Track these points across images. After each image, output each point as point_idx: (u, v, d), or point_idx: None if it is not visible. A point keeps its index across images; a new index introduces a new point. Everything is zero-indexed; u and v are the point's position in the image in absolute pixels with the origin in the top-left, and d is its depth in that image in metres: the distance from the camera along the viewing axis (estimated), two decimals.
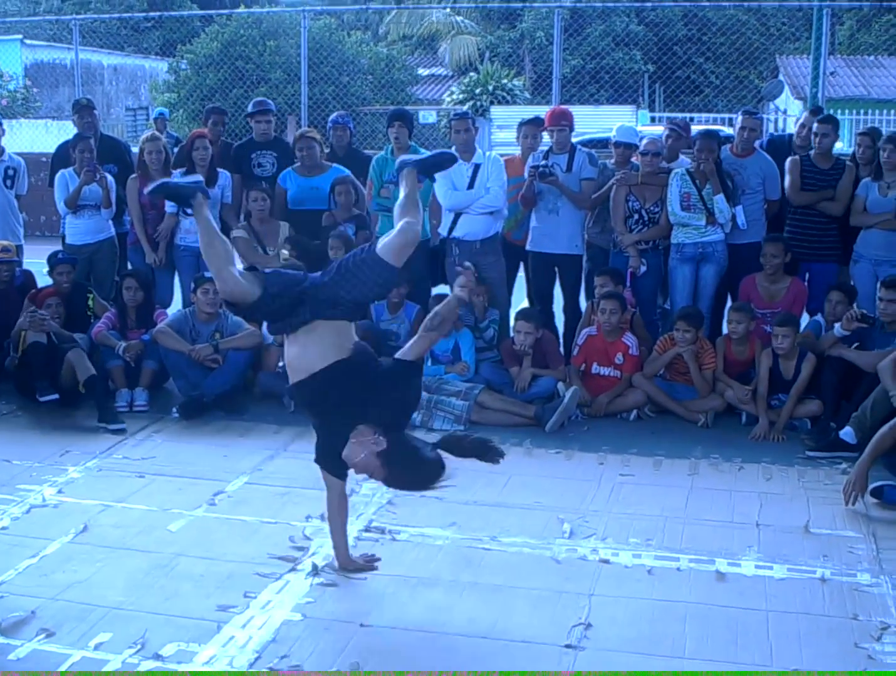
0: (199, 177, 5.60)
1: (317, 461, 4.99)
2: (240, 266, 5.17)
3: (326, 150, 9.11)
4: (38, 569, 5.10)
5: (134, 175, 8.95)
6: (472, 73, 28.49)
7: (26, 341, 7.79)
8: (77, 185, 8.85)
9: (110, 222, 9.17)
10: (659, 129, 9.31)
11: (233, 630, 4.49)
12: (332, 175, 8.79)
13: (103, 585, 4.93)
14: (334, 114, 9.49)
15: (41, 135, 22.35)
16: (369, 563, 5.10)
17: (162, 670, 4.18)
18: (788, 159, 8.21)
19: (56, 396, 7.64)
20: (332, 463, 4.89)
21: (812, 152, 8.22)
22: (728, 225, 8.03)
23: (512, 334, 7.95)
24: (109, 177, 9.00)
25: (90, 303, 8.44)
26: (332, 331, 4.76)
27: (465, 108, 25.64)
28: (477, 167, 8.19)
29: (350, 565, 5.06)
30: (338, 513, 5.04)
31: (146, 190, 5.66)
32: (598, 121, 20.54)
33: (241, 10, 25.08)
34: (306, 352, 4.76)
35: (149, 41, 35.16)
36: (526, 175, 8.31)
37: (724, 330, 8.02)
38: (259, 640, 4.41)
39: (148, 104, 32.53)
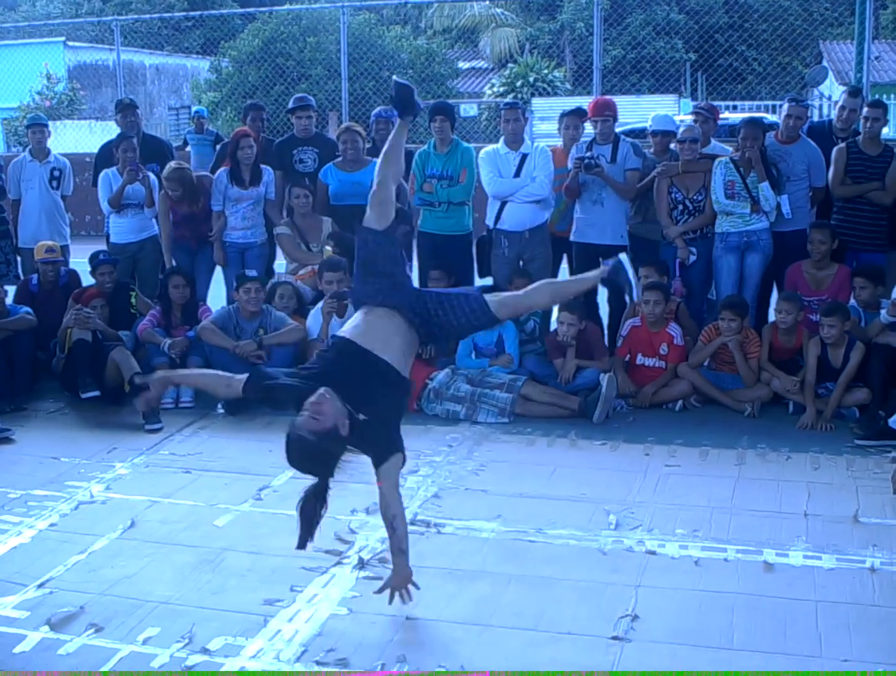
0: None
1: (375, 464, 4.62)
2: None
3: (368, 145, 9.10)
4: (87, 565, 5.15)
5: (163, 191, 8.93)
6: (512, 65, 28.41)
7: (71, 339, 7.86)
8: (120, 185, 8.91)
9: (153, 221, 9.23)
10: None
11: (279, 623, 4.51)
12: (373, 169, 8.78)
13: (151, 580, 4.97)
14: (378, 109, 9.47)
15: (85, 136, 22.57)
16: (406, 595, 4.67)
17: (204, 670, 4.20)
18: (835, 148, 8.12)
19: (98, 393, 7.70)
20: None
21: (860, 138, 8.12)
22: (773, 213, 7.96)
23: (555, 326, 7.92)
24: (152, 176, 9.06)
25: (133, 300, 8.50)
26: (402, 333, 4.64)
27: (505, 100, 25.64)
28: (524, 157, 8.19)
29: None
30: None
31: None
32: (639, 110, 20.44)
33: (282, 7, 25.10)
34: (372, 332, 4.58)
35: (190, 40, 35.35)
36: (569, 166, 8.28)
37: (771, 318, 7.95)
38: (305, 634, 4.42)
39: (190, 103, 32.68)
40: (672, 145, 8.28)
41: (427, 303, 4.68)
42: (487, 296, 4.72)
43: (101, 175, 9.22)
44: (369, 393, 4.43)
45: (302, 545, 4.36)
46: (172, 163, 8.90)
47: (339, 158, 8.92)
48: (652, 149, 8.43)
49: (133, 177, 8.86)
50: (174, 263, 8.91)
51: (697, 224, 8.12)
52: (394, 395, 4.58)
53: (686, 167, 8.06)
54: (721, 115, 10.97)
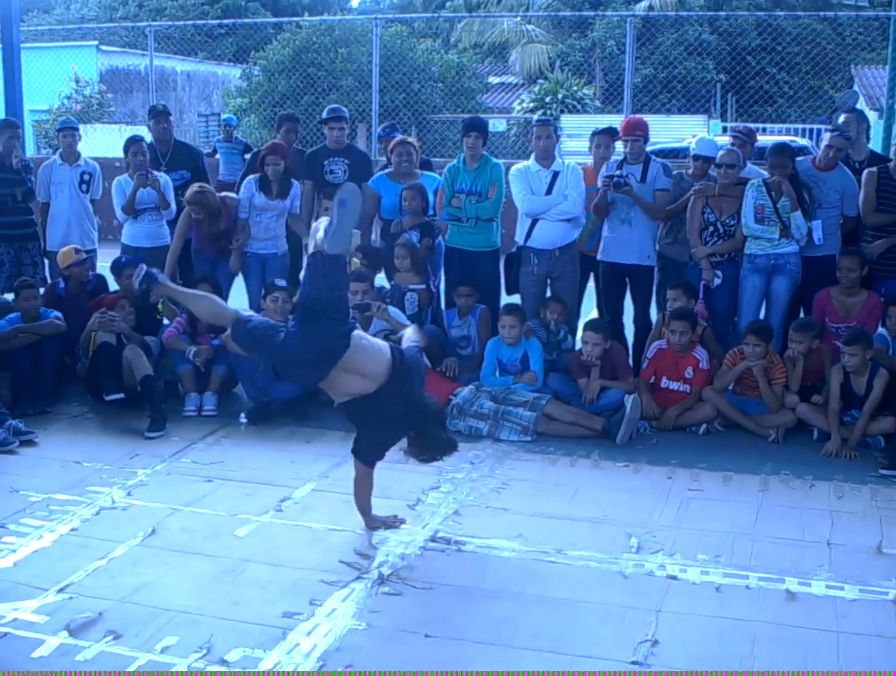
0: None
1: (353, 452, 5.56)
2: None
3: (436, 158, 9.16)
4: (107, 571, 5.16)
5: (187, 210, 8.92)
6: (542, 82, 28.42)
7: (96, 342, 7.88)
8: (131, 190, 8.95)
9: (167, 229, 9.25)
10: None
11: (298, 636, 4.50)
12: (426, 181, 8.83)
13: (170, 589, 4.97)
14: (383, 124, 9.57)
15: (115, 140, 22.64)
16: (393, 521, 5.69)
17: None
18: (865, 172, 8.08)
19: (122, 395, 7.72)
20: (369, 457, 5.53)
21: (891, 164, 8.08)
22: (803, 240, 7.92)
23: (580, 345, 7.91)
24: (163, 178, 9.07)
25: (159, 306, 8.52)
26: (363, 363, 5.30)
27: (534, 116, 25.64)
28: (556, 174, 8.18)
29: (374, 523, 5.65)
30: (364, 487, 5.61)
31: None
32: (669, 130, 20.44)
33: (315, 17, 25.19)
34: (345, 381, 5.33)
35: (222, 47, 35.52)
36: (599, 184, 8.28)
37: None
38: (324, 648, 4.41)
39: (220, 110, 32.82)
40: (711, 169, 8.24)
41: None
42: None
43: (115, 182, 9.25)
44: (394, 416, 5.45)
45: None
46: (195, 186, 8.85)
47: (391, 169, 8.97)
48: (690, 171, 8.39)
49: (142, 182, 8.89)
50: (178, 272, 8.91)
51: (726, 248, 8.08)
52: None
53: (722, 190, 8.03)
54: None
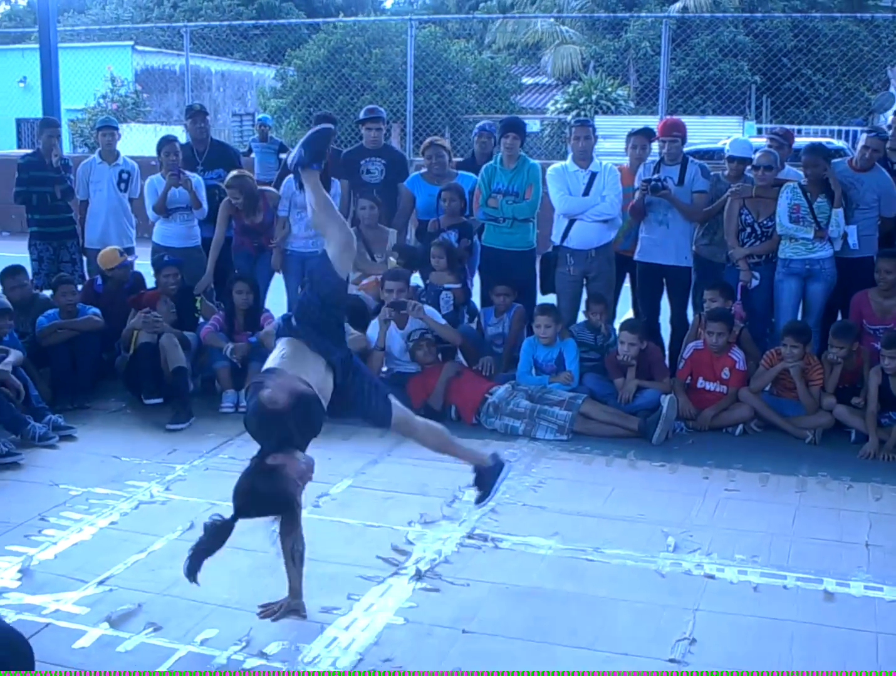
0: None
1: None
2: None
3: (466, 157, 9.21)
4: (146, 564, 5.22)
5: (227, 199, 9.01)
6: (576, 83, 28.39)
7: (137, 341, 7.94)
8: (163, 189, 9.01)
9: (198, 229, 9.32)
10: (765, 141, 9.18)
11: (336, 631, 4.53)
12: (461, 181, 8.86)
13: (209, 582, 4.95)
14: (482, 122, 9.64)
15: (150, 140, 22.79)
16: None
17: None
18: None
19: (160, 400, 7.80)
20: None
21: None
22: (839, 241, 7.88)
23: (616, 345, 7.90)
24: (195, 178, 9.12)
25: (198, 304, 8.58)
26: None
27: (568, 117, 25.60)
28: (593, 175, 8.19)
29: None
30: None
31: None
32: (703, 132, 20.35)
33: (349, 18, 25.28)
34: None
35: (257, 48, 35.68)
36: (636, 185, 8.28)
37: None
38: (362, 642, 4.44)
39: (254, 110, 32.98)
40: (747, 170, 8.22)
41: (353, 375, 4.81)
42: (395, 409, 4.88)
43: (147, 181, 9.32)
44: None
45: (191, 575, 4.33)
46: (234, 172, 8.98)
47: (425, 171, 9.01)
48: (726, 173, 8.37)
49: (174, 181, 8.94)
50: (237, 270, 8.98)
51: (763, 249, 8.06)
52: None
53: (760, 192, 8.01)
54: None
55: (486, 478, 5.16)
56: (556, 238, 8.37)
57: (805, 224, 7.88)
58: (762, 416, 7.54)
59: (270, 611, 4.71)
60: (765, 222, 8.02)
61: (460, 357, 8.32)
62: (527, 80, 32.74)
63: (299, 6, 39.66)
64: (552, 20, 32.19)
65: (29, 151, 11.39)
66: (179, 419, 7.58)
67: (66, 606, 4.74)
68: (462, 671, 4.19)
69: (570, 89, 27.87)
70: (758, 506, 6.11)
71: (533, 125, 24.53)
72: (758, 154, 8.17)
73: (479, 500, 5.23)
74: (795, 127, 22.69)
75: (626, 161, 8.91)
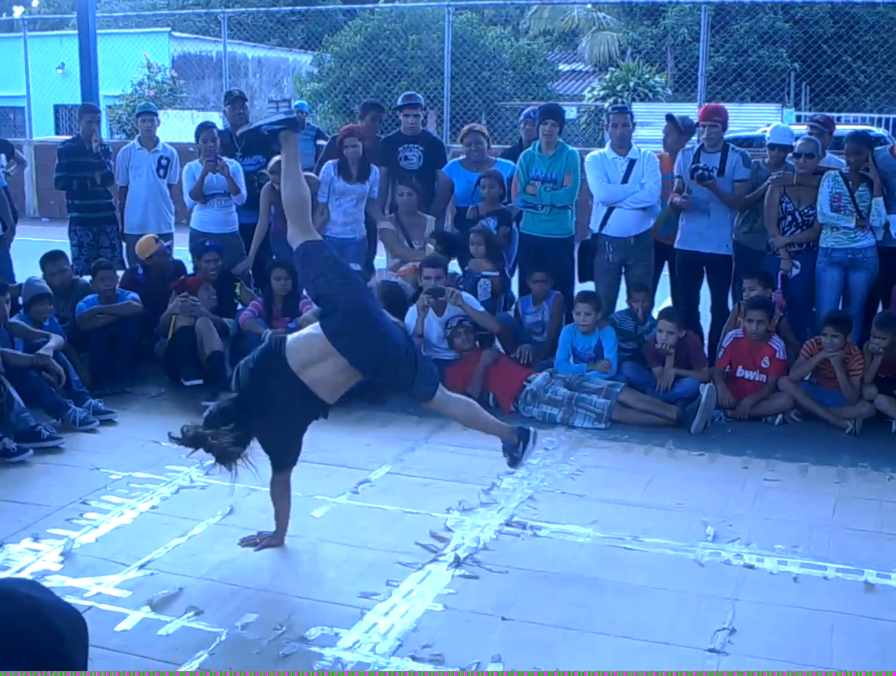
0: (289, 115, 5.40)
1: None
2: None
3: (513, 144, 9.23)
4: (187, 549, 5.24)
5: (268, 183, 9.01)
6: (613, 69, 28.26)
7: (176, 326, 7.99)
8: (200, 175, 9.04)
9: (235, 216, 9.34)
10: (804, 129, 9.11)
11: (375, 616, 4.54)
12: (499, 167, 8.86)
13: (249, 567, 5.04)
14: (527, 109, 9.64)
15: (187, 126, 22.88)
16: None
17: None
18: None
19: (200, 381, 7.84)
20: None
21: None
22: (880, 231, 7.82)
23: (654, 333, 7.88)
24: (233, 164, 9.14)
25: (237, 291, 8.61)
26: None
27: (605, 104, 25.49)
28: (632, 162, 8.16)
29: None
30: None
31: (238, 132, 5.53)
32: (742, 119, 20.20)
33: (386, 4, 25.29)
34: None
35: (293, 34, 35.71)
36: (675, 172, 8.25)
37: None
38: (401, 628, 4.44)
39: (290, 96, 33.02)
40: (788, 157, 8.17)
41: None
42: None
43: (185, 168, 9.38)
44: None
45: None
46: (277, 157, 8.99)
47: (463, 157, 9.01)
48: (767, 160, 8.31)
49: (211, 167, 8.97)
50: (274, 257, 9.02)
51: (804, 237, 8.01)
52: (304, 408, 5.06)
53: (801, 180, 7.95)
54: None
55: (515, 450, 5.34)
56: (594, 226, 8.34)
57: (846, 213, 7.82)
58: (802, 406, 7.50)
59: (252, 542, 5.15)
60: (805, 210, 7.96)
61: (498, 344, 8.31)
62: (563, 67, 32.60)
63: None
64: (589, 6, 32.02)
65: (68, 137, 11.46)
66: (191, 375, 7.62)
67: (108, 589, 4.78)
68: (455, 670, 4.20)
69: (607, 76, 27.74)
70: (797, 496, 6.08)
71: (570, 112, 24.45)
72: (799, 142, 8.11)
73: (511, 466, 5.47)
74: (835, 114, 22.48)
75: (661, 148, 8.90)
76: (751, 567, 5.11)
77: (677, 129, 8.80)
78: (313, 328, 5.01)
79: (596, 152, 8.49)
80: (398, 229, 8.76)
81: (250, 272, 9.21)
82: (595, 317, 7.78)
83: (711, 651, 4.28)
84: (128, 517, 5.64)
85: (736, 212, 8.30)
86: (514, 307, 8.56)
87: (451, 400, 5.26)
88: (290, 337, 5.10)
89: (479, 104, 24.36)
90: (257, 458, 5.07)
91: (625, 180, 8.15)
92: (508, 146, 10.37)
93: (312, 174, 9.23)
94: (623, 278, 8.41)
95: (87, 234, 9.71)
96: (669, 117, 8.99)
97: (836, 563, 5.14)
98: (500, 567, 5.03)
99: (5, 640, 1.47)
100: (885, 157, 8.01)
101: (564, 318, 8.29)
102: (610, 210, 8.18)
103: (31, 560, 5.07)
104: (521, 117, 9.68)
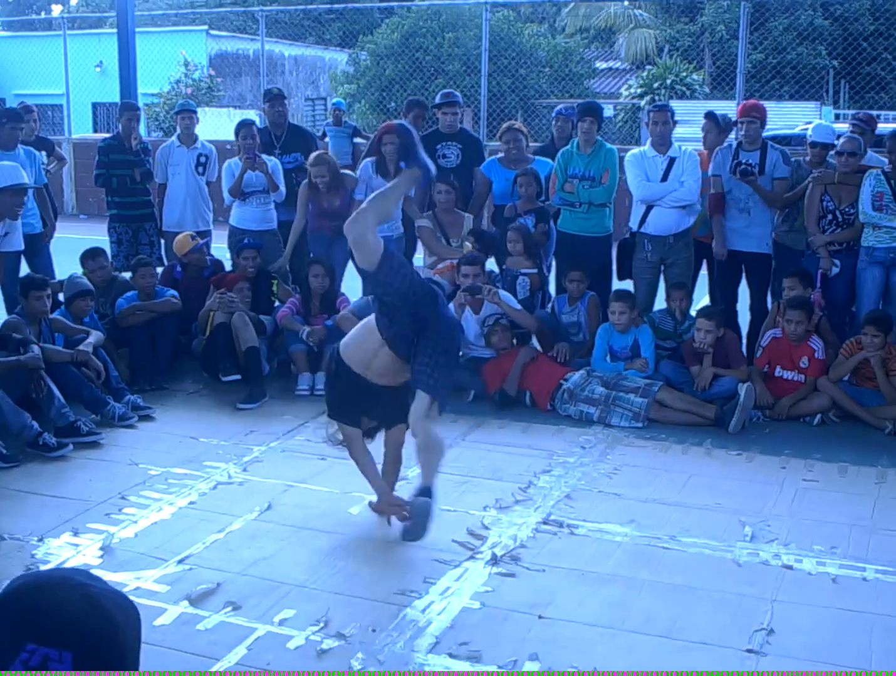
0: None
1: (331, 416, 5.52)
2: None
3: (546, 142, 9.24)
4: (225, 544, 5.27)
5: (306, 181, 9.01)
6: (650, 67, 28.16)
7: (214, 322, 8.03)
8: (239, 172, 9.06)
9: (274, 213, 9.36)
10: (844, 127, 9.04)
11: (412, 613, 4.55)
12: (538, 165, 8.85)
13: (287, 563, 5.06)
14: (560, 106, 9.63)
15: (224, 124, 23.00)
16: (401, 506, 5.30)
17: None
18: None
19: (238, 377, 7.88)
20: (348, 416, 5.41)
21: None
22: None
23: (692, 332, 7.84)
24: (272, 161, 9.16)
25: (274, 288, 8.65)
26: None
27: (642, 102, 25.39)
28: (672, 160, 8.12)
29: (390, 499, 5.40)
30: (365, 455, 5.50)
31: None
32: (780, 117, 20.08)
33: (422, 1, 25.31)
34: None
35: (330, 32, 35.81)
36: (710, 171, 8.21)
37: None
38: (438, 626, 4.45)
39: (326, 94, 33.14)
40: (829, 155, 8.11)
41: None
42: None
43: (225, 164, 9.38)
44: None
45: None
46: (318, 151, 9.05)
47: (501, 155, 9.01)
48: (807, 158, 8.26)
49: (250, 165, 8.98)
50: (311, 254, 9.04)
51: (845, 236, 7.94)
52: None
53: (842, 178, 7.89)
54: None
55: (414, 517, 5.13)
56: (633, 224, 8.31)
57: (889, 212, 7.74)
58: (841, 406, 7.44)
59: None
60: (846, 209, 7.90)
61: (535, 342, 8.30)
62: (600, 65, 32.53)
63: None
64: (626, 3, 31.96)
65: (107, 135, 11.53)
66: (252, 398, 7.67)
67: (147, 584, 4.81)
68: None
69: (644, 74, 27.67)
70: (836, 497, 6.04)
71: (606, 110, 24.39)
72: (841, 140, 8.04)
73: (405, 534, 5.13)
74: (874, 112, 22.29)
75: (700, 146, 8.85)
76: (789, 567, 5.08)
77: (717, 127, 8.75)
78: (361, 325, 5.30)
79: (636, 150, 8.46)
80: (436, 227, 8.76)
81: (287, 269, 9.23)
82: (630, 315, 7.74)
83: (749, 651, 4.26)
84: (166, 512, 5.68)
85: (776, 211, 8.24)
86: (550, 306, 8.53)
87: (431, 431, 5.17)
88: (341, 342, 5.43)
89: (516, 102, 24.37)
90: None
91: (664, 178, 8.11)
92: (536, 144, 10.35)
93: (350, 172, 9.26)
94: (663, 277, 8.37)
95: (127, 231, 9.76)
96: (709, 115, 8.94)
97: (876, 564, 5.10)
98: (538, 565, 5.03)
99: (62, 626, 1.49)
100: None
101: (601, 317, 8.26)
102: (649, 208, 8.14)
103: (71, 554, 5.12)
104: (553, 114, 9.67)
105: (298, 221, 9.03)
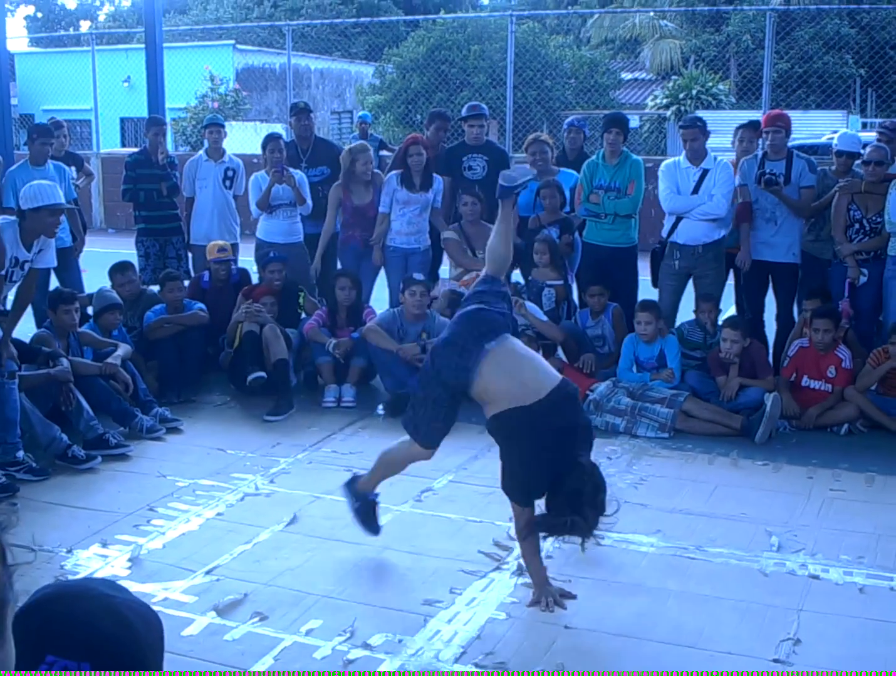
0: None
1: (503, 489, 4.94)
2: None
3: (557, 152, 9.24)
4: (252, 555, 5.30)
5: (338, 182, 9.08)
6: (675, 77, 28.11)
7: (242, 332, 8.07)
8: (267, 186, 9.11)
9: (300, 226, 9.41)
10: (871, 136, 8.99)
11: (439, 624, 4.57)
12: (563, 177, 8.86)
13: (314, 573, 5.08)
14: (571, 117, 9.63)
15: (251, 137, 23.10)
16: (564, 596, 4.83)
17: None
18: None
19: (263, 374, 7.88)
20: (514, 495, 4.86)
21: None
22: None
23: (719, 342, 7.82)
24: (298, 175, 9.20)
25: (301, 300, 8.69)
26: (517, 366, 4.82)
27: (668, 112, 25.35)
28: (705, 172, 8.10)
29: (545, 586, 4.82)
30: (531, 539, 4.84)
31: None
32: (806, 126, 20.02)
33: (448, 15, 25.39)
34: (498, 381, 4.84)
35: (356, 46, 35.95)
36: (737, 181, 8.19)
37: None
38: (464, 636, 4.46)
39: (353, 107, 33.24)
40: (856, 165, 8.08)
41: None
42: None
43: (252, 178, 9.42)
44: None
45: None
46: (359, 142, 9.16)
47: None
48: (833, 168, 8.24)
49: (278, 178, 9.01)
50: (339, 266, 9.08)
51: (872, 245, 7.91)
52: None
53: (869, 187, 7.86)
54: None
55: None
56: (665, 231, 8.31)
57: None
58: (868, 416, 7.41)
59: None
60: (874, 218, 7.87)
61: (561, 353, 8.30)
62: (625, 76, 32.47)
63: (398, 4, 39.89)
64: (651, 14, 31.90)
65: (135, 150, 11.61)
66: (279, 410, 7.71)
67: (175, 594, 4.84)
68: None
69: (670, 84, 27.60)
70: (863, 507, 6.01)
71: (632, 121, 24.36)
72: (868, 148, 8.01)
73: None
74: None
75: (727, 155, 8.82)
76: (816, 577, 5.07)
77: (755, 134, 8.69)
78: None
79: (670, 160, 8.46)
80: (462, 239, 8.78)
81: (314, 281, 9.27)
82: (656, 325, 7.74)
83: (776, 661, 4.25)
84: (194, 523, 5.71)
85: (803, 221, 8.22)
86: (573, 319, 8.52)
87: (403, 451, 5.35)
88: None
89: (541, 113, 24.38)
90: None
91: (695, 190, 8.09)
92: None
93: (378, 171, 9.30)
94: (693, 287, 8.35)
95: (154, 245, 9.82)
96: (748, 125, 8.85)
97: None
98: (564, 575, 5.03)
99: (84, 637, 1.51)
100: None
101: (627, 328, 8.25)
102: (679, 218, 8.14)
103: (100, 565, 5.16)
104: (564, 126, 9.67)
105: (329, 222, 9.08)
